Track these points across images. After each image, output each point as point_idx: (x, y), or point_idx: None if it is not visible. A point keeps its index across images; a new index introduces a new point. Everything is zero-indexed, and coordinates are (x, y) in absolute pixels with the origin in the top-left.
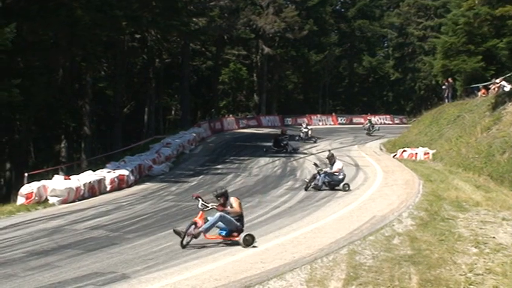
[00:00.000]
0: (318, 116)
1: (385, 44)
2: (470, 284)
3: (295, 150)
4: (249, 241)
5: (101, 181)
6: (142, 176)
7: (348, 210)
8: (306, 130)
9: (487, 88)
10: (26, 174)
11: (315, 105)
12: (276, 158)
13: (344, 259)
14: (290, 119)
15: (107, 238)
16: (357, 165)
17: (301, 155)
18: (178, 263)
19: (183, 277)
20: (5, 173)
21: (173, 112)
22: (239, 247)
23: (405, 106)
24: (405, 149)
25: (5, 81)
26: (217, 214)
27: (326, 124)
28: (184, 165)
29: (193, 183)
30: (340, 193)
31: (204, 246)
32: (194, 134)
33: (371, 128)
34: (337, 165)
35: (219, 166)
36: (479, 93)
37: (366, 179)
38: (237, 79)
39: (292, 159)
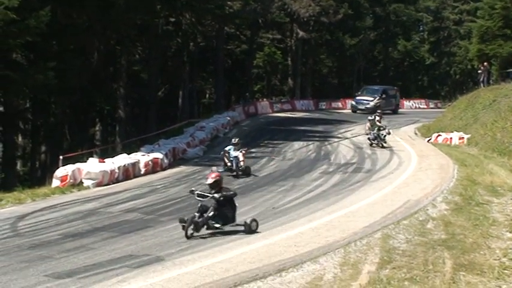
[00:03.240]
0: None
1: (421, 28)
2: (504, 269)
3: None
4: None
5: (135, 164)
6: (176, 159)
7: (382, 194)
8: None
9: None
10: (60, 157)
11: (349, 90)
12: (310, 142)
13: (378, 243)
14: (324, 103)
15: (141, 221)
16: (391, 150)
17: (335, 139)
18: (212, 246)
19: (216, 260)
20: (40, 155)
21: (207, 96)
22: (273, 230)
23: (440, 90)
24: (440, 133)
25: (40, 64)
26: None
27: None
28: (218, 148)
29: None
30: (374, 177)
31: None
32: (228, 118)
33: (379, 136)
34: None
35: (253, 150)
36: None
37: (400, 163)
38: (271, 63)
39: (326, 143)
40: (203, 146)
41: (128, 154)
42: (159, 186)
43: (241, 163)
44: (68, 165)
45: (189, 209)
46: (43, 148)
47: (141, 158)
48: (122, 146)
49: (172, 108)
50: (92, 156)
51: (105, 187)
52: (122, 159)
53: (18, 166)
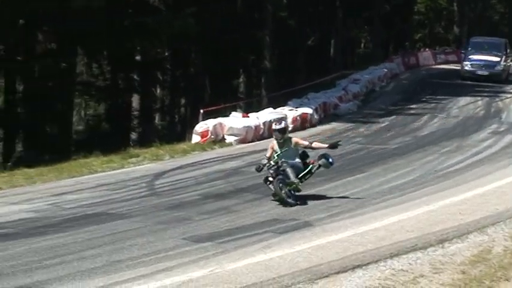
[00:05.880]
0: None
1: None
2: None
3: None
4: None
5: None
6: (327, 114)
7: None
8: None
9: None
10: (201, 111)
11: None
12: (479, 98)
13: None
14: None
15: None
16: None
17: (508, 95)
18: (366, 211)
19: (370, 227)
20: (179, 109)
21: (362, 45)
22: (434, 196)
23: None
24: None
25: (179, 10)
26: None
27: None
28: (374, 103)
29: (383, 124)
30: None
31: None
32: (385, 70)
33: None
34: None
35: (413, 106)
36: None
37: None
38: (434, 9)
39: (497, 99)
40: (357, 100)
41: (274, 108)
42: None
43: None
44: (209, 120)
45: (342, 170)
46: (183, 101)
47: (289, 113)
48: (268, 99)
49: (323, 58)
50: (235, 110)
51: (249, 144)
52: (268, 114)
53: (157, 120)
